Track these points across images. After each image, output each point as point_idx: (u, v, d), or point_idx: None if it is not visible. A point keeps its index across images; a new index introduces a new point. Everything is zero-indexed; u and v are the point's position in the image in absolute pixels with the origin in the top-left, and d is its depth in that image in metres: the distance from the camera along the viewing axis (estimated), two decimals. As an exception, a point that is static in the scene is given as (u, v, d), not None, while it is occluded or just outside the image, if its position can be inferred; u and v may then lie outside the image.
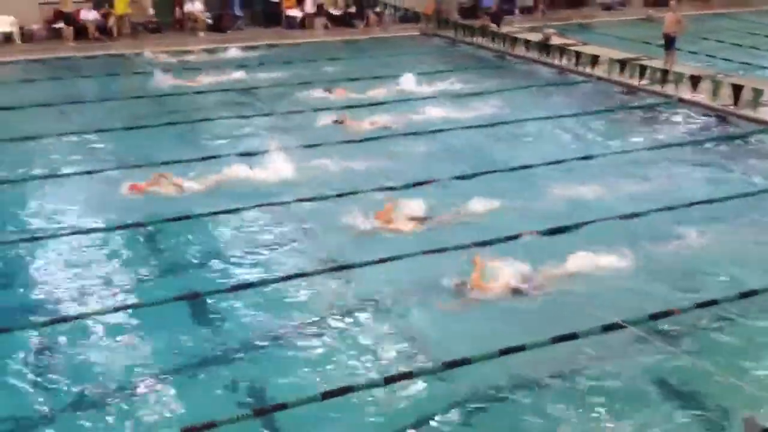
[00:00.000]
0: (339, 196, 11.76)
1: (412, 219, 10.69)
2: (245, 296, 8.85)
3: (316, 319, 8.39)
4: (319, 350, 7.86)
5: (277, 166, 12.61)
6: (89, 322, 8.32)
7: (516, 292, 8.72)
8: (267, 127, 15.73)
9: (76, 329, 8.19)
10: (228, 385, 7.30)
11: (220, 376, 7.48)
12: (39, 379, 7.39)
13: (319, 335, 8.10)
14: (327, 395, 6.93)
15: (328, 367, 7.57)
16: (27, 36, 24.32)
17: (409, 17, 28.34)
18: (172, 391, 7.19)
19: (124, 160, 13.52)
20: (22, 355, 7.74)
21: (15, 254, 9.95)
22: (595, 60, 19.96)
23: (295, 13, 27.18)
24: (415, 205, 11.03)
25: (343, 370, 7.51)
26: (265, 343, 7.99)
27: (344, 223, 10.61)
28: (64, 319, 8.34)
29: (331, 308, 8.58)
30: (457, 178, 12.67)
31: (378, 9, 28.18)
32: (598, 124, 16.09)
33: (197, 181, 12.22)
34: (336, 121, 15.57)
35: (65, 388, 7.26)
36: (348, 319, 8.42)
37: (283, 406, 6.84)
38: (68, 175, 12.90)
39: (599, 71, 19.73)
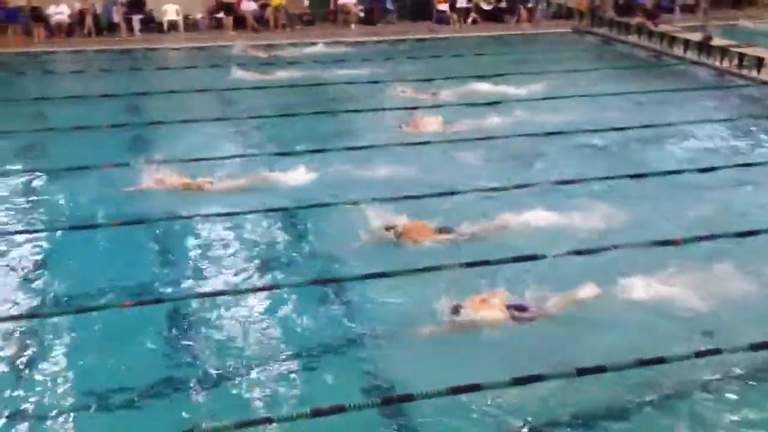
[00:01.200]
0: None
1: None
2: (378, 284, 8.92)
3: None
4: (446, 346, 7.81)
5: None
6: (227, 299, 8.62)
7: (515, 318, 8.04)
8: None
9: (213, 306, 8.50)
10: (355, 371, 7.39)
11: (347, 361, 7.59)
12: (175, 352, 7.71)
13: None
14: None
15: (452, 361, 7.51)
16: (191, 25, 25.63)
17: (562, 13, 27.75)
18: (303, 373, 7.35)
19: (269, 147, 13.95)
20: (164, 327, 8.12)
21: (167, 232, 10.49)
22: (760, 63, 18.82)
23: (446, 7, 27.18)
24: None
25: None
26: (394, 333, 7.99)
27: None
28: (203, 295, 8.67)
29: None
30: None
31: (530, 4, 27.73)
32: (760, 131, 15.15)
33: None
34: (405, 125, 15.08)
35: (198, 362, 7.53)
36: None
37: (410, 397, 6.86)
38: (223, 158, 13.33)
39: (765, 75, 18.60)
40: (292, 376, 7.31)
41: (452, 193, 11.43)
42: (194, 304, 8.53)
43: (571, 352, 7.56)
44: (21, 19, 23.28)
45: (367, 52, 22.86)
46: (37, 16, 23.61)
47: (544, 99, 16.97)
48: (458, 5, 27.05)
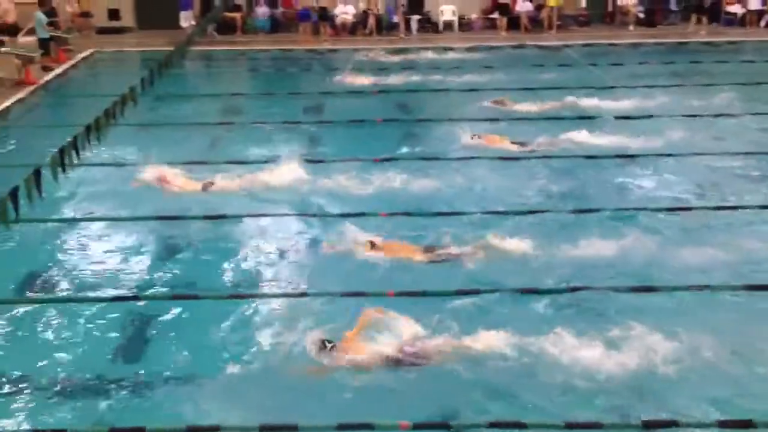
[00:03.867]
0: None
1: None
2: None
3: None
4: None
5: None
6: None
7: (392, 359, 7.24)
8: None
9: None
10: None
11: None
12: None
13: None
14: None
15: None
16: (465, 25, 26.12)
17: None
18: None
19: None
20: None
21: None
22: None
23: (736, 9, 25.25)
24: None
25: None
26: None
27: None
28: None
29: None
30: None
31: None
32: None
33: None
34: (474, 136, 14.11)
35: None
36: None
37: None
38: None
39: None
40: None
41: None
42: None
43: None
44: (311, 18, 25.11)
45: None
46: (325, 15, 25.34)
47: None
48: (750, 7, 25.03)
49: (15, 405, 7.13)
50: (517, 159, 13.21)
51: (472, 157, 13.18)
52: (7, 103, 17.35)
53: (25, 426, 6.78)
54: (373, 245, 9.51)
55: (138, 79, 15.92)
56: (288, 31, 25.81)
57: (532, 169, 12.83)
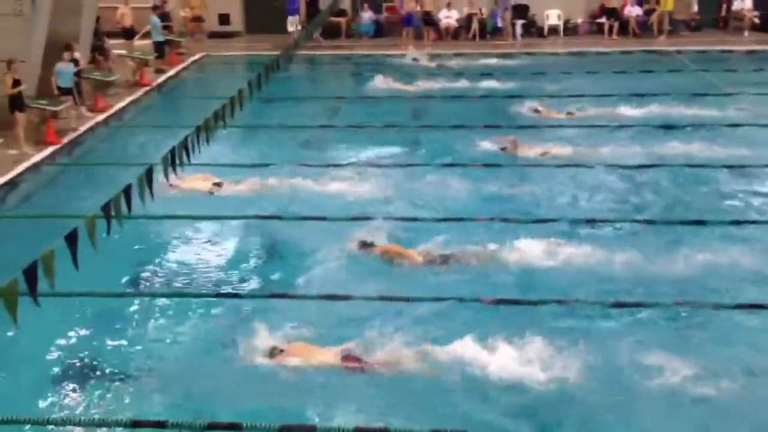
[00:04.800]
0: None
1: None
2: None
3: None
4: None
5: None
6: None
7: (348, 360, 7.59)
8: None
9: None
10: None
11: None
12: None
13: None
14: None
15: None
16: (571, 29, 25.68)
17: None
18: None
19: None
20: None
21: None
22: None
23: None
24: None
25: None
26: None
27: None
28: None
29: None
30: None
31: None
32: None
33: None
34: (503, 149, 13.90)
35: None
36: None
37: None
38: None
39: None
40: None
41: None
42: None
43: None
44: (414, 23, 25.20)
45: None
46: (429, 20, 25.38)
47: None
48: None
49: (117, 395, 7.46)
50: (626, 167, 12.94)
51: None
52: (122, 104, 18.17)
53: (128, 416, 7.06)
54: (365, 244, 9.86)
55: (245, 82, 16.34)
56: (391, 36, 25.99)
57: (637, 177, 12.55)
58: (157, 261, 10.28)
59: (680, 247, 9.79)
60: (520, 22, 25.45)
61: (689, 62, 21.34)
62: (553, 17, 25.60)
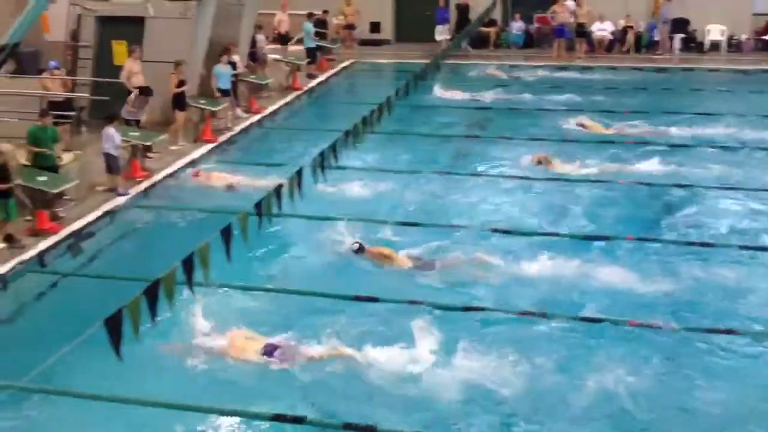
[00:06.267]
0: None
1: None
2: None
3: None
4: None
5: None
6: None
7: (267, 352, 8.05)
8: None
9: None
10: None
11: None
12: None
13: None
14: None
15: None
16: (734, 45, 24.40)
17: None
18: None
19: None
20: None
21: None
22: None
23: None
24: None
25: None
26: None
27: None
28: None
29: None
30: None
31: None
32: None
33: None
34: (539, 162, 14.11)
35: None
36: None
37: None
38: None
39: None
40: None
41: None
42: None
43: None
44: (567, 35, 24.67)
45: None
46: (582, 32, 24.77)
47: None
48: None
49: (262, 389, 7.66)
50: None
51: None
52: (275, 106, 18.79)
53: (269, 410, 7.23)
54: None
55: (392, 89, 16.58)
56: (541, 47, 25.57)
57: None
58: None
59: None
60: (678, 36, 24.42)
61: None
62: (714, 32, 24.40)
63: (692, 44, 24.63)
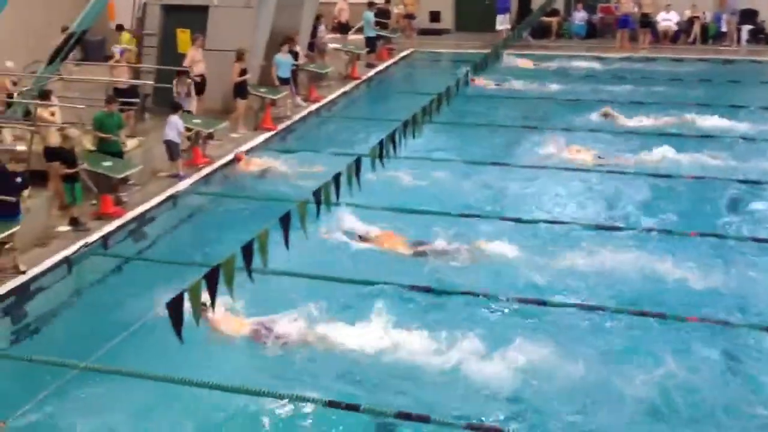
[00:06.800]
0: None
1: None
2: None
3: None
4: None
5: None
6: None
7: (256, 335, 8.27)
8: None
9: None
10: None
11: None
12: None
13: None
14: None
15: None
16: (805, 37, 23.67)
17: None
18: None
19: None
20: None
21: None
22: None
23: None
24: None
25: None
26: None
27: None
28: None
29: None
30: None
31: None
32: None
33: None
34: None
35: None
36: None
37: None
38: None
39: None
40: None
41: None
42: None
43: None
44: (631, 25, 24.20)
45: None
46: (646, 22, 24.27)
47: None
48: None
49: (310, 378, 7.75)
50: None
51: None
52: (334, 95, 18.88)
53: (322, 397, 7.32)
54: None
55: (452, 79, 16.49)
56: (604, 38, 25.13)
57: None
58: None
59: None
60: (746, 28, 23.73)
61: None
62: (785, 23, 23.67)
63: (761, 36, 23.93)
